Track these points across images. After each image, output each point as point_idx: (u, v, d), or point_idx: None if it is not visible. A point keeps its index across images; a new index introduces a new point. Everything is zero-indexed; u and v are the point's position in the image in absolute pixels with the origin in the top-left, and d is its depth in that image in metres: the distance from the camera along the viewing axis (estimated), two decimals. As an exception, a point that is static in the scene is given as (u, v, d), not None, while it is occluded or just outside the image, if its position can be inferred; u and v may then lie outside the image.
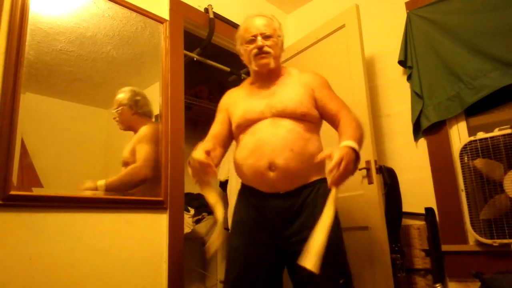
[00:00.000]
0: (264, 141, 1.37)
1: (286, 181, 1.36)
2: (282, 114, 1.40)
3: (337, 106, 1.44)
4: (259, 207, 1.40)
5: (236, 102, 1.54)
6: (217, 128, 1.54)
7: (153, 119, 1.87)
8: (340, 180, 1.18)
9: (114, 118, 1.72)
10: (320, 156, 1.23)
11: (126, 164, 1.74)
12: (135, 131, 1.81)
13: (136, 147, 1.76)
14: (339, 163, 1.16)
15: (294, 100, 1.41)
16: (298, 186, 1.37)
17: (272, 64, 1.47)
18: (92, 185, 1.60)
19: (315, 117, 1.45)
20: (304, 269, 1.25)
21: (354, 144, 1.23)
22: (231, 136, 1.54)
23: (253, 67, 1.50)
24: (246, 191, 1.47)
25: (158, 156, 1.81)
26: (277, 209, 1.36)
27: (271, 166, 1.34)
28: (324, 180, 1.43)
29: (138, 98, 1.78)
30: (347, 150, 1.20)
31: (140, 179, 1.75)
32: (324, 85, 1.50)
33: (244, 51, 1.51)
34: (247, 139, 1.43)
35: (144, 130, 1.80)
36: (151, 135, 1.81)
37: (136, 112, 1.77)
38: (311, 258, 1.09)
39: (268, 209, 1.38)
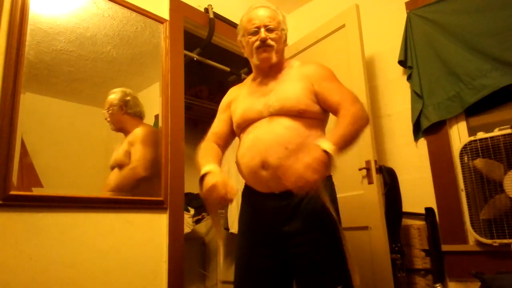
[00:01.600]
0: (258, 139, 1.33)
1: (280, 181, 1.24)
2: (280, 113, 1.34)
3: (338, 99, 1.33)
4: (258, 208, 1.37)
5: (237, 100, 1.49)
6: (218, 126, 1.51)
7: (144, 120, 1.86)
8: (302, 189, 1.10)
9: (106, 119, 1.73)
10: (282, 169, 1.15)
11: (120, 165, 1.73)
12: (126, 132, 1.80)
13: (131, 149, 1.75)
14: (301, 176, 1.07)
15: (291, 98, 1.34)
16: None
17: (274, 58, 1.40)
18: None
19: (316, 113, 1.36)
20: (301, 273, 1.25)
21: (329, 146, 1.13)
22: (232, 134, 1.50)
23: (254, 60, 1.43)
24: (246, 191, 1.44)
25: (154, 157, 1.81)
26: (273, 210, 1.31)
27: (264, 165, 1.29)
28: (325, 178, 1.33)
29: (128, 98, 1.78)
30: (316, 156, 1.10)
31: (137, 179, 1.75)
32: (325, 77, 1.40)
33: (246, 43, 1.43)
34: (245, 138, 1.40)
35: (139, 131, 1.80)
36: (145, 136, 1.81)
37: (126, 112, 1.77)
38: None
39: (265, 210, 1.34)
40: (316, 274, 1.23)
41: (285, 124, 1.32)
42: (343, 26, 2.22)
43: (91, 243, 1.52)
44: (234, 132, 1.50)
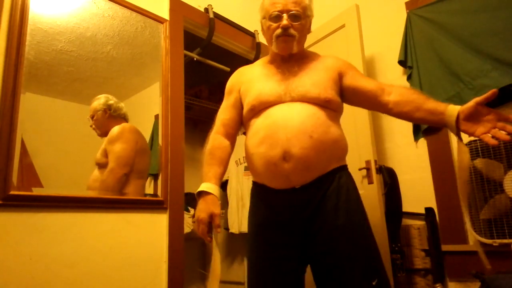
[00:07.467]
0: (278, 126, 1.21)
1: (304, 174, 1.19)
2: (303, 99, 1.24)
3: (373, 81, 1.35)
4: (275, 206, 1.26)
5: (251, 81, 1.37)
6: (227, 112, 1.39)
7: (128, 122, 1.85)
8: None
9: (91, 126, 1.71)
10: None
11: (99, 165, 1.72)
12: None
13: (107, 148, 1.74)
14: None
15: (318, 85, 1.26)
16: (315, 177, 1.21)
17: (295, 49, 1.32)
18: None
19: (338, 105, 1.30)
20: (333, 269, 1.18)
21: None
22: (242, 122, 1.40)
23: (273, 48, 1.35)
24: (258, 189, 1.33)
25: (130, 153, 1.79)
26: (294, 206, 1.22)
27: (286, 156, 1.18)
28: (344, 167, 1.29)
29: (111, 102, 1.77)
30: None
31: (118, 178, 1.72)
32: (352, 66, 1.39)
33: (267, 28, 1.34)
34: (259, 124, 1.27)
35: (115, 129, 1.78)
36: (120, 133, 1.79)
37: (110, 115, 1.76)
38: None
39: (284, 207, 1.23)
40: (348, 271, 1.16)
41: (307, 111, 1.23)
42: (343, 26, 2.22)
43: (91, 243, 1.52)
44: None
